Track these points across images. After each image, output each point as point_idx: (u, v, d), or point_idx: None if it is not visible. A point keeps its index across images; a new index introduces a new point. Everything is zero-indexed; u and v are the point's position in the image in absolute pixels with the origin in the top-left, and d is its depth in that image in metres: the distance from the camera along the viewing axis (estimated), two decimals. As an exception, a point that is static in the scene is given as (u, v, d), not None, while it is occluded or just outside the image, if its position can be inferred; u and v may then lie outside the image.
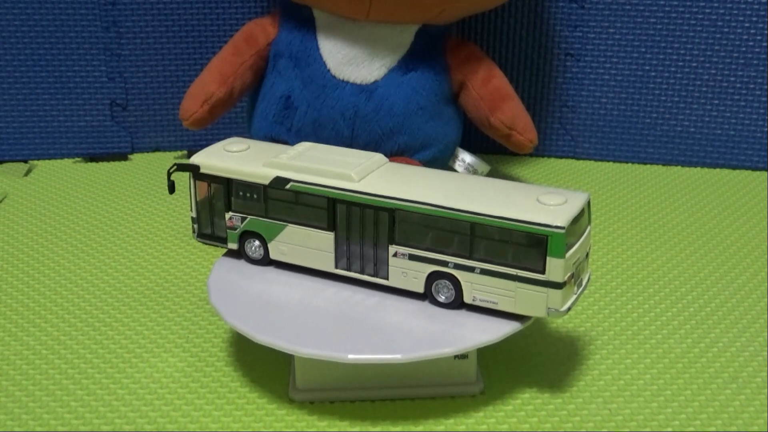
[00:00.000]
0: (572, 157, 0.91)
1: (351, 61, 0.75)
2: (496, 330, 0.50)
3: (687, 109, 0.87)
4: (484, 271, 0.50)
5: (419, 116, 0.75)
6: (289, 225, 0.55)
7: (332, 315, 0.51)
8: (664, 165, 0.89)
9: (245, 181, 0.56)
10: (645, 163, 0.89)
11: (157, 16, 0.86)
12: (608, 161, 0.90)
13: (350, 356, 0.48)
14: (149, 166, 0.88)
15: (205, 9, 0.87)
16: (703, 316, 0.61)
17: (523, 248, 0.49)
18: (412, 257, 0.52)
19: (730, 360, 0.56)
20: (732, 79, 0.85)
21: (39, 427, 0.50)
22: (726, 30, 0.84)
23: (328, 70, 0.75)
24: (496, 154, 0.89)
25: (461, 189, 0.52)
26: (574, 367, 0.56)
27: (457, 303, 0.52)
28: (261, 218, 0.56)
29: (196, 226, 0.59)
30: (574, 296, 0.51)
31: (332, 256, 0.54)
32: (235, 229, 0.57)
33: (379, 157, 0.56)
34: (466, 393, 0.53)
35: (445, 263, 0.51)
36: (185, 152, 0.92)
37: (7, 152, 0.89)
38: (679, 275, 0.67)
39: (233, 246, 0.58)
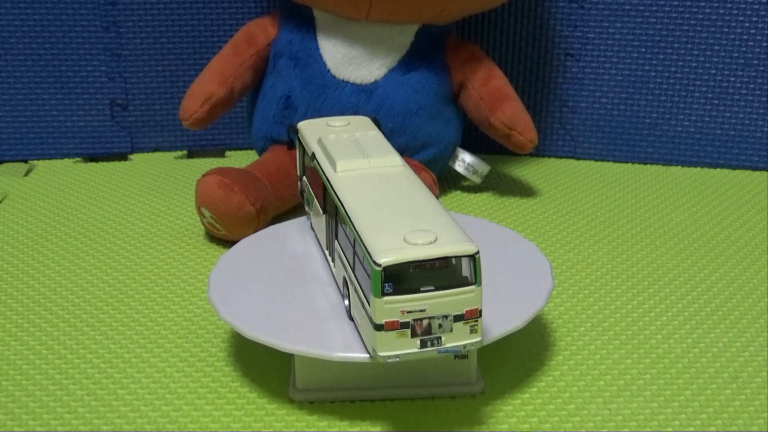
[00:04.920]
0: (572, 157, 0.91)
1: (351, 61, 0.75)
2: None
3: (687, 109, 0.87)
4: (354, 290, 0.48)
5: (419, 116, 0.75)
6: (315, 200, 0.58)
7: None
8: (664, 165, 0.89)
9: (306, 152, 0.60)
10: (645, 163, 0.89)
11: (157, 16, 0.86)
12: (608, 161, 0.90)
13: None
14: (149, 166, 0.88)
15: (205, 9, 0.87)
16: (703, 316, 0.61)
17: (368, 277, 0.45)
18: (338, 256, 0.52)
19: (730, 360, 0.56)
20: (732, 79, 0.85)
21: (39, 427, 0.50)
22: (726, 30, 0.84)
23: (328, 70, 0.75)
24: (496, 154, 0.89)
25: (392, 207, 0.49)
26: (574, 368, 0.56)
27: (350, 314, 0.50)
28: (309, 187, 0.60)
29: (299, 183, 0.64)
30: (413, 350, 0.45)
31: (325, 238, 0.56)
32: (303, 192, 0.62)
33: (391, 159, 0.55)
34: (466, 393, 0.53)
35: (345, 271, 0.50)
36: (185, 152, 0.92)
37: (7, 152, 0.89)
38: (679, 275, 0.67)
39: (307, 208, 0.62)
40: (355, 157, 0.54)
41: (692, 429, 0.50)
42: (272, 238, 0.61)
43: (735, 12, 0.83)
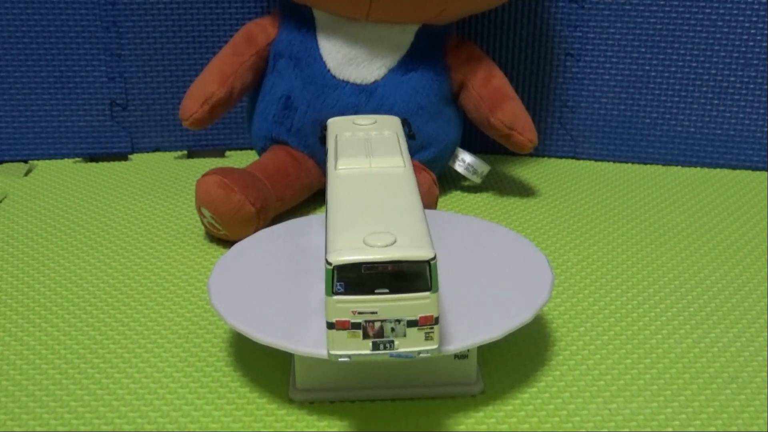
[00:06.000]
0: (572, 157, 0.91)
1: (351, 61, 0.75)
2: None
3: (687, 109, 0.87)
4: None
5: (419, 116, 0.75)
6: (327, 194, 0.57)
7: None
8: (664, 165, 0.89)
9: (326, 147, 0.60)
10: (645, 163, 0.89)
11: (157, 16, 0.86)
12: (608, 161, 0.90)
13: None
14: (149, 166, 0.88)
15: (205, 9, 0.87)
16: (703, 316, 0.61)
17: None
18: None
19: (730, 360, 0.56)
20: (732, 79, 0.85)
21: (39, 427, 0.50)
22: (726, 30, 0.84)
23: (328, 70, 0.75)
24: (496, 154, 0.89)
25: (370, 208, 0.49)
26: (574, 367, 0.56)
27: None
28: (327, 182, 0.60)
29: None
30: (365, 352, 0.45)
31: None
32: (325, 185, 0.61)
33: (394, 160, 0.55)
34: (466, 393, 0.53)
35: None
36: (185, 152, 0.92)
37: (7, 152, 0.89)
38: (679, 275, 0.67)
39: None
40: (358, 156, 0.55)
41: (692, 429, 0.50)
42: (291, 231, 0.61)
43: (735, 12, 0.83)
